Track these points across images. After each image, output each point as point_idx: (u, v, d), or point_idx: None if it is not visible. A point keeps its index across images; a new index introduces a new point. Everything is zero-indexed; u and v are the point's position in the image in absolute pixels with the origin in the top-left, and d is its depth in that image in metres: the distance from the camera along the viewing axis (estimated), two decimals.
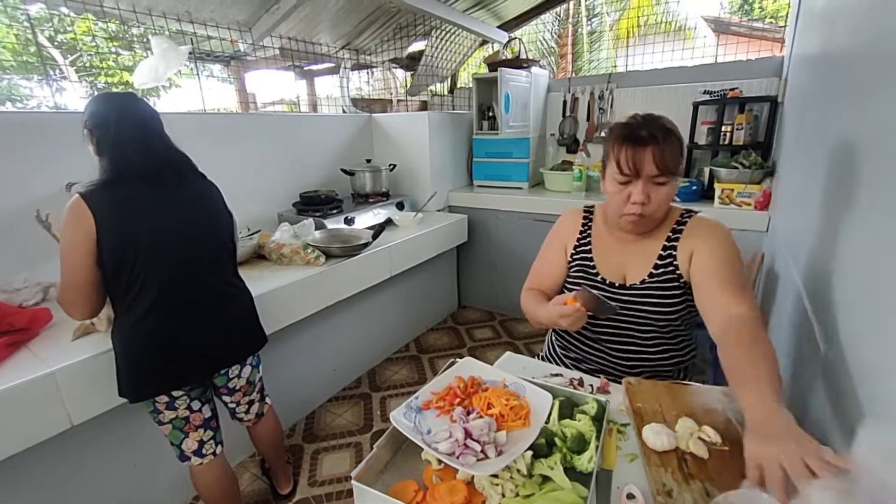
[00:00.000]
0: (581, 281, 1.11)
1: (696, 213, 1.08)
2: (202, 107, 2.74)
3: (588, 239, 1.14)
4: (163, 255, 1.09)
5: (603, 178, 1.05)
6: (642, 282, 1.04)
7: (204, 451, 1.24)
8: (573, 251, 1.15)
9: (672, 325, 1.05)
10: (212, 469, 1.26)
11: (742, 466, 0.62)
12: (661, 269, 1.03)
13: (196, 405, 1.20)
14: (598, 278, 1.08)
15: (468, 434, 0.71)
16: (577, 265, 1.13)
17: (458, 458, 0.67)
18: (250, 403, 1.39)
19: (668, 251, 1.03)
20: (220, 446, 1.29)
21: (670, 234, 1.05)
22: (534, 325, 1.16)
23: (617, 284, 1.06)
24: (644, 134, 0.93)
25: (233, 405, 1.36)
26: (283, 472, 1.59)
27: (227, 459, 1.32)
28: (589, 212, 1.18)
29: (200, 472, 1.25)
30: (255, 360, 1.36)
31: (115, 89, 6.90)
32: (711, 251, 0.97)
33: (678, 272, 1.01)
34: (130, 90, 1.21)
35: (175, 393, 1.14)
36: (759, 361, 0.74)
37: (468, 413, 0.77)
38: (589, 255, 1.12)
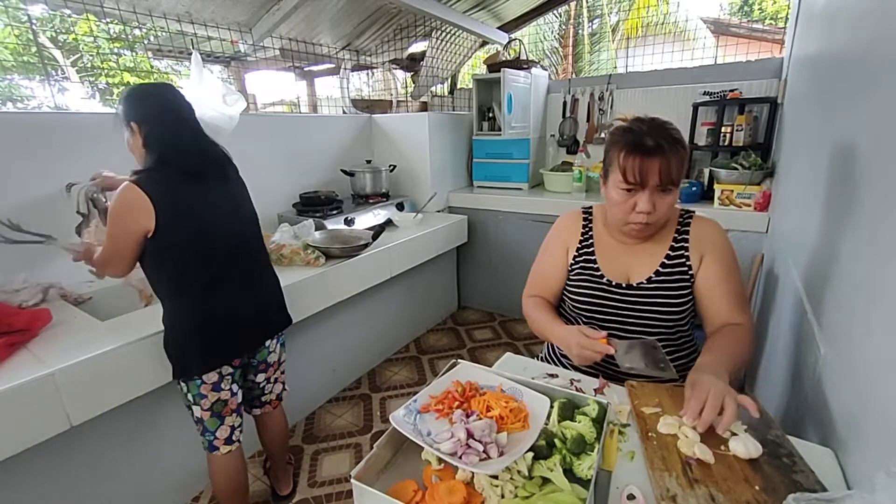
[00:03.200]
0: (584, 282, 1.10)
1: (692, 212, 1.09)
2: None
3: (590, 241, 1.13)
4: (218, 235, 1.19)
5: (604, 183, 1.04)
6: (649, 280, 1.04)
7: (234, 438, 1.30)
8: (576, 253, 1.14)
9: (678, 325, 1.05)
10: (235, 457, 1.31)
11: (746, 472, 0.68)
12: (670, 269, 1.03)
13: (235, 387, 1.28)
14: (603, 280, 1.07)
15: (470, 434, 0.71)
16: (579, 267, 1.12)
17: (460, 458, 0.67)
18: (276, 381, 1.46)
19: (679, 251, 1.04)
20: (242, 434, 1.34)
21: (676, 234, 1.05)
22: (535, 333, 1.16)
23: (624, 285, 1.05)
24: (651, 144, 0.91)
25: (262, 383, 1.42)
26: (284, 473, 1.59)
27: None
28: (588, 213, 1.17)
29: (226, 461, 1.29)
30: (280, 339, 1.44)
31: (115, 90, 6.90)
32: (721, 258, 1.02)
33: (690, 272, 1.03)
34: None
35: (225, 370, 1.23)
36: (728, 344, 0.93)
37: (468, 416, 0.77)
38: (592, 257, 1.11)
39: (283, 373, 1.49)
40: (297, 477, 1.69)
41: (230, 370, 1.25)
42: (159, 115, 1.16)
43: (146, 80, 1.51)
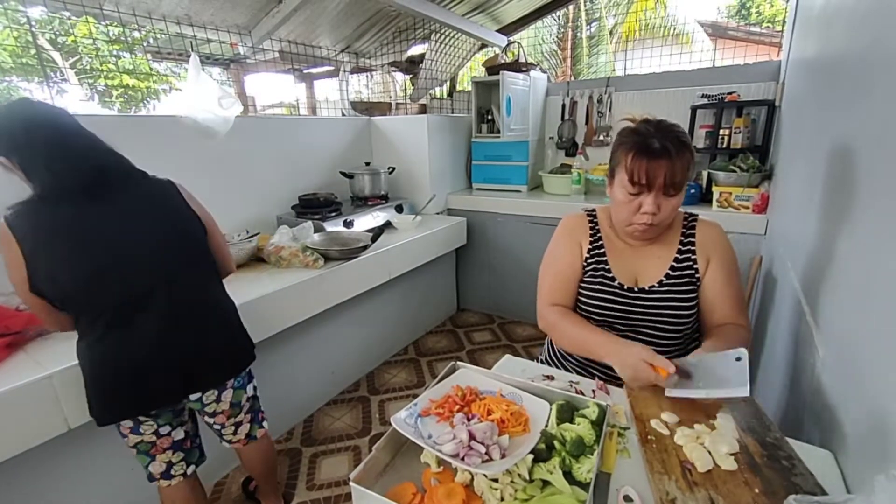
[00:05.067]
0: (596, 285, 1.08)
1: (696, 216, 1.10)
2: None
3: (600, 242, 1.11)
4: (114, 272, 0.99)
5: (610, 185, 1.03)
6: (660, 283, 1.04)
7: (172, 473, 1.17)
8: (587, 254, 1.12)
9: (686, 328, 1.05)
10: (179, 489, 1.19)
11: (745, 475, 0.69)
12: (679, 272, 1.04)
13: (165, 430, 1.12)
14: (615, 283, 1.06)
15: (472, 436, 0.71)
16: (591, 268, 1.10)
17: (462, 459, 0.67)
18: (237, 425, 1.27)
19: (686, 255, 1.05)
20: (192, 466, 1.22)
21: (682, 238, 1.06)
22: (564, 347, 1.12)
23: (635, 289, 1.05)
24: (657, 146, 0.91)
25: (217, 427, 1.25)
26: (275, 496, 1.49)
27: (198, 478, 1.27)
28: (592, 215, 1.16)
29: (168, 493, 1.20)
30: (238, 381, 1.22)
31: (114, 92, 6.90)
32: (725, 261, 1.04)
33: (697, 275, 1.03)
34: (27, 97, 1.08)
35: (140, 418, 1.07)
36: (730, 337, 0.95)
37: (469, 419, 0.77)
38: (604, 259, 1.09)
39: (248, 413, 1.28)
40: (296, 480, 1.68)
41: (146, 417, 1.08)
42: (27, 139, 0.94)
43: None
